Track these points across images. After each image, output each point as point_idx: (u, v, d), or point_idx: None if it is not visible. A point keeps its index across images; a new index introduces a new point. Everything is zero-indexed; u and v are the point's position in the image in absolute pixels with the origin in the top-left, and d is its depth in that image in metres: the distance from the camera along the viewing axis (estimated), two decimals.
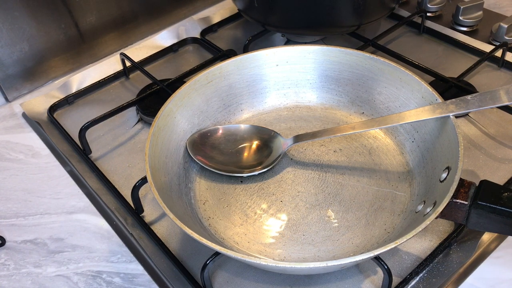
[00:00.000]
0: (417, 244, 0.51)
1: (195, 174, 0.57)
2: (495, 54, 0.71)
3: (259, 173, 0.56)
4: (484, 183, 0.44)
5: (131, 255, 0.52)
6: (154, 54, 0.79)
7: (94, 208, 0.57)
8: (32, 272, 0.51)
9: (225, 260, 0.51)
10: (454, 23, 0.80)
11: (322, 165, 0.57)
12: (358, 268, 0.49)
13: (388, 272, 0.45)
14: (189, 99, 0.58)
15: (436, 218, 0.42)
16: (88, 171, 0.62)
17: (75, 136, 0.65)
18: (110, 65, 0.78)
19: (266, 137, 0.59)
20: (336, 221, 0.51)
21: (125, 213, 0.57)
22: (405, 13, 0.83)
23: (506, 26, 0.73)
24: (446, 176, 0.47)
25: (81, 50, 0.78)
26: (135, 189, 0.54)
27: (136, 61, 0.75)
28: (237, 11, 0.83)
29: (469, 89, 0.65)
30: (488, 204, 0.42)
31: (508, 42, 0.72)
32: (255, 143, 0.59)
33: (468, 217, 0.44)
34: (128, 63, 0.76)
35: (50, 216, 0.57)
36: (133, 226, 0.55)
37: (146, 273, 0.50)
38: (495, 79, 0.70)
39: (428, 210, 0.45)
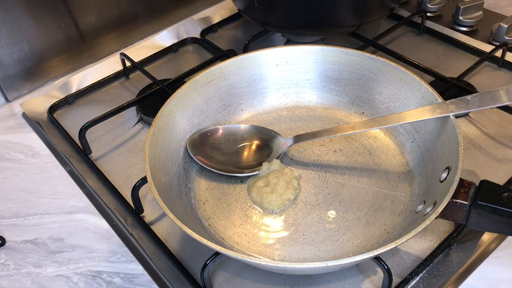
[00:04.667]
0: (417, 244, 0.51)
1: (195, 174, 0.57)
2: (495, 54, 0.71)
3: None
4: (484, 183, 0.44)
5: (131, 255, 0.52)
6: (154, 54, 0.79)
7: (94, 208, 0.57)
8: (32, 272, 0.51)
9: (225, 260, 0.51)
10: (454, 23, 0.80)
11: (322, 165, 0.57)
12: (358, 268, 0.49)
13: (388, 272, 0.45)
14: (189, 99, 0.58)
15: (436, 218, 0.42)
16: (88, 171, 0.62)
17: (75, 136, 0.65)
18: (110, 65, 0.78)
19: (266, 137, 0.59)
20: (336, 221, 0.51)
21: (125, 213, 0.57)
22: (405, 13, 0.83)
23: (506, 26, 0.73)
24: (446, 176, 0.47)
25: (81, 50, 0.78)
26: (135, 189, 0.54)
27: (136, 61, 0.75)
28: (237, 11, 0.83)
29: (469, 89, 0.65)
30: (488, 204, 0.43)
31: (508, 42, 0.72)
32: (255, 143, 0.59)
33: (468, 217, 0.44)
34: (128, 63, 0.76)
35: (50, 216, 0.57)
36: (133, 226, 0.55)
37: (146, 273, 0.50)
38: (495, 79, 0.70)
39: (428, 210, 0.45)
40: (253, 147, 0.59)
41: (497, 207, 0.42)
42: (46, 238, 0.54)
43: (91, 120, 0.64)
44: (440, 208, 0.42)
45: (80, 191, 0.59)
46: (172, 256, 0.51)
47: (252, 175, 0.56)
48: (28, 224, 0.56)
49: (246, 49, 0.75)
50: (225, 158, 0.58)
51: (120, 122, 0.68)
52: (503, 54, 0.71)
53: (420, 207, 0.49)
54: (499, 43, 0.73)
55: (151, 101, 0.69)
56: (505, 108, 0.62)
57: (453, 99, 0.51)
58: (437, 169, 0.50)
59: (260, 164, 0.56)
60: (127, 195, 0.57)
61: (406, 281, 0.47)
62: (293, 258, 0.49)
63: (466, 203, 0.43)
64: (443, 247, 0.50)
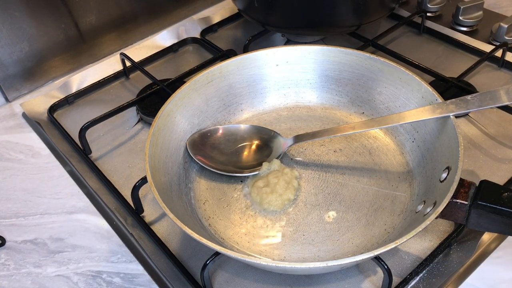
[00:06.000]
0: (417, 244, 0.51)
1: (195, 174, 0.57)
2: (495, 54, 0.71)
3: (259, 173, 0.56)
4: (484, 183, 0.44)
5: (131, 255, 0.52)
6: (154, 54, 0.79)
7: (94, 208, 0.57)
8: (32, 272, 0.51)
9: (225, 260, 0.51)
10: (454, 23, 0.80)
11: (322, 165, 0.57)
12: (358, 268, 0.49)
13: (388, 272, 0.45)
14: (189, 99, 0.58)
15: (436, 218, 0.42)
16: (88, 171, 0.62)
17: (75, 136, 0.65)
18: (110, 65, 0.78)
19: (266, 137, 0.59)
20: (336, 221, 0.51)
21: (125, 213, 0.57)
22: (405, 13, 0.83)
23: (506, 26, 0.73)
24: (446, 176, 0.47)
25: (81, 50, 0.78)
26: (135, 189, 0.54)
27: (136, 61, 0.75)
28: (237, 11, 0.83)
29: (469, 89, 0.65)
30: (488, 204, 0.43)
31: (508, 42, 0.72)
32: (255, 143, 0.59)
33: (468, 217, 0.44)
34: (128, 63, 0.76)
35: (50, 216, 0.57)
36: (133, 226, 0.55)
37: (146, 273, 0.50)
38: (495, 79, 0.70)
39: (428, 210, 0.45)
40: (253, 147, 0.59)
41: (497, 207, 0.42)
42: (46, 238, 0.54)
43: (91, 120, 0.64)
44: (440, 208, 0.42)
45: (80, 191, 0.59)
46: (172, 256, 0.51)
47: (252, 175, 0.56)
48: (28, 224, 0.56)
49: (246, 49, 0.75)
50: (225, 158, 0.58)
51: (120, 122, 0.68)
52: (503, 54, 0.71)
53: (420, 207, 0.49)
54: (499, 43, 0.73)
55: (151, 101, 0.69)
56: (505, 108, 0.62)
57: (453, 99, 0.51)
58: (437, 169, 0.50)
59: (260, 164, 0.56)
60: (127, 195, 0.57)
61: (406, 281, 0.47)
62: (293, 258, 0.49)
63: (466, 203, 0.43)
64: (443, 247, 0.50)
